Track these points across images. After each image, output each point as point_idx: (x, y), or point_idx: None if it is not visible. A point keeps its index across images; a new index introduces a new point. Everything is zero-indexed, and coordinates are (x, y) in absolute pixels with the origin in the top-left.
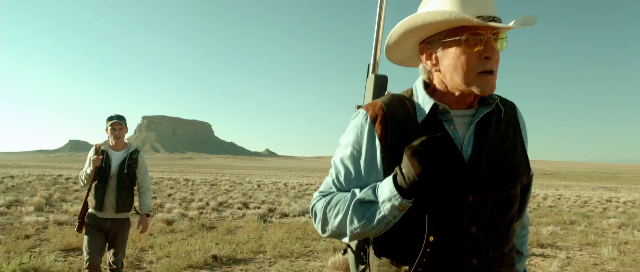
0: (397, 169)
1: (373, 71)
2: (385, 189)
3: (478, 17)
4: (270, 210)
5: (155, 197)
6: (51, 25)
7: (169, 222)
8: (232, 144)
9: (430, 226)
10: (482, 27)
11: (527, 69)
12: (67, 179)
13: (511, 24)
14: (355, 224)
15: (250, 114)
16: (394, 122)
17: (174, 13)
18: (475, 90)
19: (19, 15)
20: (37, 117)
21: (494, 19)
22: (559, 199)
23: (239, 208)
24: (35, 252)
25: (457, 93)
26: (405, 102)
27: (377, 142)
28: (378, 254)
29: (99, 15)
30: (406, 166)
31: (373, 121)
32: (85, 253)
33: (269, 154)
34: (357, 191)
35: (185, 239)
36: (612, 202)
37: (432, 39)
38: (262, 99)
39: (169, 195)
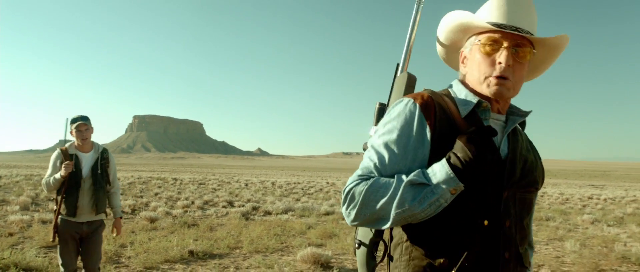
0: (450, 153)
1: (401, 71)
2: (440, 171)
3: (500, 24)
4: (254, 208)
5: (141, 196)
6: (41, 25)
7: (152, 220)
8: (223, 144)
9: (472, 214)
10: (502, 34)
11: None
12: None
13: (526, 33)
14: (405, 206)
15: (242, 114)
16: (442, 112)
17: (165, 12)
18: (486, 91)
19: (9, 16)
20: (27, 117)
21: (517, 30)
22: (542, 196)
23: (223, 206)
24: (17, 249)
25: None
26: (445, 98)
27: (428, 129)
28: (410, 247)
29: (88, 14)
30: (462, 150)
31: (422, 108)
32: (60, 260)
33: (261, 153)
34: (403, 175)
35: (165, 236)
36: (593, 199)
37: (468, 42)
38: (254, 98)
39: (156, 194)
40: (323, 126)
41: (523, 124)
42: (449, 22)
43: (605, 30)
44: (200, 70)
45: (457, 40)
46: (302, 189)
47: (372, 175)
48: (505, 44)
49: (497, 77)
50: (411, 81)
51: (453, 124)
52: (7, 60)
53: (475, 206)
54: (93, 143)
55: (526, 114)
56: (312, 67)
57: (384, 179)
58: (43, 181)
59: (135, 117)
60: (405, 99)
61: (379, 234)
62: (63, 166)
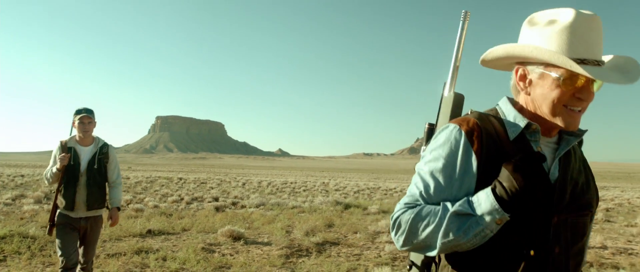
0: (495, 182)
1: (450, 90)
2: (485, 202)
3: (583, 60)
4: (233, 203)
5: (141, 193)
6: (66, 24)
7: (138, 210)
8: (245, 144)
9: (529, 239)
10: (582, 74)
11: None
12: None
13: (615, 76)
14: (450, 236)
15: (264, 115)
16: (489, 137)
17: (188, 12)
18: (559, 122)
19: (34, 15)
20: (53, 117)
21: (597, 63)
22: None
23: (209, 202)
24: (23, 227)
25: (545, 120)
26: (492, 120)
27: (474, 157)
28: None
29: (113, 15)
30: (508, 180)
31: (468, 136)
32: (60, 253)
33: (282, 153)
34: (448, 204)
35: (138, 219)
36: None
37: (531, 63)
38: (275, 99)
39: (155, 191)
40: (344, 127)
41: (580, 142)
42: (529, 53)
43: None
44: (222, 71)
45: (510, 59)
46: (293, 188)
47: (419, 203)
48: (586, 80)
49: (574, 110)
50: (458, 101)
51: (500, 149)
52: (36, 62)
53: (522, 234)
54: (95, 138)
55: (582, 133)
56: (334, 68)
57: (429, 207)
58: (43, 174)
59: (158, 117)
60: (451, 125)
61: (430, 257)
62: (58, 158)
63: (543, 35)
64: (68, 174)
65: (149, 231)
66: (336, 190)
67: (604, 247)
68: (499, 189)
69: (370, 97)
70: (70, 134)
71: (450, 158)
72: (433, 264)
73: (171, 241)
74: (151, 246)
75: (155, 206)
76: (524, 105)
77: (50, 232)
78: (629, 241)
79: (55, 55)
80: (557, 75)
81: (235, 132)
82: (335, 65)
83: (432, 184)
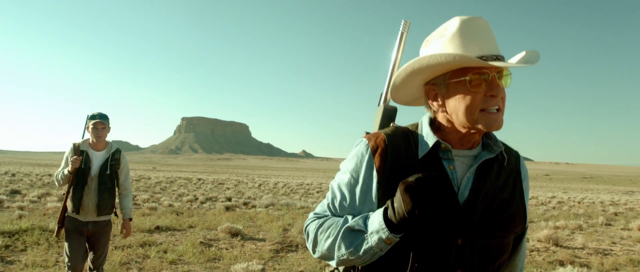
0: (388, 202)
1: (384, 101)
2: (375, 221)
3: (481, 57)
4: (245, 203)
5: (159, 192)
6: (96, 25)
7: (153, 209)
8: (269, 145)
9: (413, 262)
10: (485, 67)
11: (580, 74)
12: None
13: (514, 62)
14: (343, 250)
15: (288, 116)
16: (394, 155)
17: (214, 13)
18: (481, 127)
19: (65, 15)
20: (82, 117)
21: (497, 58)
22: (549, 201)
23: (222, 202)
24: (45, 221)
25: (463, 130)
26: (409, 136)
27: (375, 173)
28: None
29: (140, 14)
30: (398, 201)
31: (373, 152)
32: (66, 258)
33: (306, 155)
34: (349, 217)
35: (150, 216)
36: (594, 204)
37: (437, 80)
38: (299, 100)
39: (173, 191)
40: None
41: (517, 159)
42: (428, 63)
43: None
44: (246, 72)
45: (421, 82)
46: (307, 189)
47: (326, 214)
48: (492, 75)
49: (491, 110)
50: (389, 113)
51: (407, 167)
52: (64, 60)
53: (413, 255)
54: (108, 142)
55: (498, 150)
56: (360, 68)
57: (333, 220)
58: (54, 175)
59: (183, 118)
60: (363, 141)
61: (351, 266)
62: (70, 161)
63: (437, 48)
64: (78, 177)
65: (157, 227)
66: None
67: (583, 248)
68: (389, 210)
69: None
70: (83, 137)
71: (355, 173)
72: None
73: (175, 236)
74: (155, 240)
75: (170, 205)
76: (443, 122)
77: (58, 234)
78: (613, 243)
79: (86, 55)
80: (464, 78)
81: (260, 133)
82: (360, 66)
83: (338, 197)
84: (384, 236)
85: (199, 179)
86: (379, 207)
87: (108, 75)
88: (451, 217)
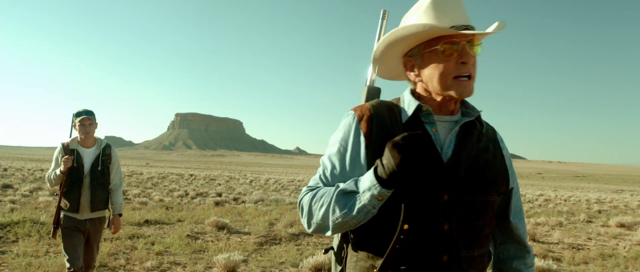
0: (378, 161)
1: (369, 83)
2: (366, 179)
3: (452, 27)
4: (235, 199)
5: (151, 188)
6: (89, 20)
7: (143, 203)
8: (263, 142)
9: (405, 214)
10: (456, 36)
11: (581, 72)
12: None
13: (483, 31)
14: (337, 213)
15: (282, 113)
16: (379, 121)
17: (208, 9)
18: (453, 93)
19: (54, 9)
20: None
21: (467, 28)
22: (536, 199)
23: (212, 197)
24: (36, 214)
25: (439, 99)
26: (392, 108)
27: (362, 138)
28: (355, 249)
29: (133, 10)
30: (387, 157)
31: (359, 120)
32: (66, 257)
33: (299, 152)
34: (340, 184)
35: (140, 210)
36: (580, 202)
37: (413, 52)
38: (294, 97)
39: (164, 186)
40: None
41: (495, 132)
42: (402, 33)
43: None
44: (241, 69)
45: (399, 55)
46: (298, 186)
47: (319, 186)
48: (463, 44)
49: (463, 77)
50: (374, 93)
51: (392, 132)
52: (56, 55)
53: (401, 209)
54: (96, 138)
55: (476, 114)
56: (354, 66)
57: (325, 189)
58: (45, 176)
59: (177, 114)
60: (350, 112)
61: (343, 238)
62: (62, 161)
63: (413, 21)
64: (72, 176)
65: (147, 221)
66: None
67: (558, 243)
68: (379, 167)
69: (388, 94)
70: (70, 136)
71: (344, 142)
72: (344, 246)
73: (164, 229)
74: (144, 233)
75: (160, 200)
76: (421, 92)
77: (54, 235)
78: (589, 239)
79: (80, 51)
80: (437, 48)
81: (254, 130)
82: (356, 63)
83: (329, 167)
84: (375, 192)
85: (191, 175)
86: (368, 170)
87: (101, 71)
88: (436, 175)
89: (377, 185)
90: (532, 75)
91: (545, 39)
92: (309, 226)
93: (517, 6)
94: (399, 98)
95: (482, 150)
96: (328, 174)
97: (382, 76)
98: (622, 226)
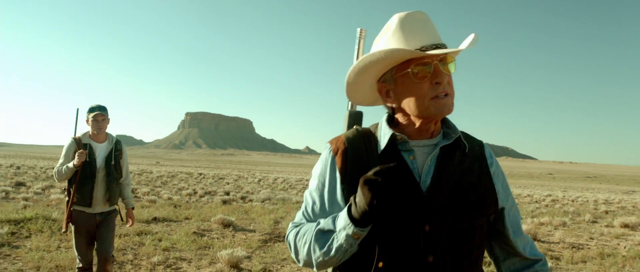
0: (351, 198)
1: (351, 107)
2: (341, 218)
3: (421, 48)
4: (242, 197)
5: (160, 186)
6: (98, 19)
7: (152, 201)
8: (272, 141)
9: (379, 253)
10: (426, 57)
11: (592, 73)
12: None
13: (454, 48)
14: (317, 252)
15: (292, 112)
16: (354, 154)
17: (220, 9)
18: (433, 113)
19: (67, 8)
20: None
21: (437, 46)
22: (544, 199)
23: (220, 196)
24: (48, 211)
25: (418, 123)
26: (369, 136)
27: (338, 174)
28: None
29: (145, 10)
30: (359, 195)
31: (334, 154)
32: (77, 253)
33: (309, 151)
34: (321, 221)
35: (149, 208)
36: (588, 203)
37: (385, 77)
38: (304, 96)
39: (174, 185)
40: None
41: (482, 147)
42: (369, 59)
43: None
44: (251, 68)
45: (371, 82)
46: (305, 185)
47: (302, 222)
48: (435, 64)
49: (440, 97)
50: (356, 118)
51: (366, 165)
52: (69, 54)
53: (377, 246)
54: (107, 134)
55: (454, 137)
56: None
57: (307, 226)
58: (55, 170)
59: (187, 113)
60: (326, 146)
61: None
62: (77, 154)
63: (381, 46)
64: (85, 171)
65: (155, 218)
66: None
67: (559, 242)
68: (352, 206)
69: None
70: (76, 131)
71: (322, 177)
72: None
73: (171, 227)
74: (152, 229)
75: (169, 198)
76: (399, 118)
77: (66, 230)
78: (591, 238)
79: (91, 50)
80: (408, 71)
81: (264, 129)
82: None
83: (310, 203)
84: (350, 232)
85: (200, 174)
86: (345, 205)
87: (113, 70)
88: (416, 205)
89: (350, 224)
90: (544, 76)
91: (558, 38)
92: (299, 261)
93: (525, 3)
94: (377, 124)
95: (465, 172)
96: (309, 210)
97: (359, 104)
98: (626, 226)
